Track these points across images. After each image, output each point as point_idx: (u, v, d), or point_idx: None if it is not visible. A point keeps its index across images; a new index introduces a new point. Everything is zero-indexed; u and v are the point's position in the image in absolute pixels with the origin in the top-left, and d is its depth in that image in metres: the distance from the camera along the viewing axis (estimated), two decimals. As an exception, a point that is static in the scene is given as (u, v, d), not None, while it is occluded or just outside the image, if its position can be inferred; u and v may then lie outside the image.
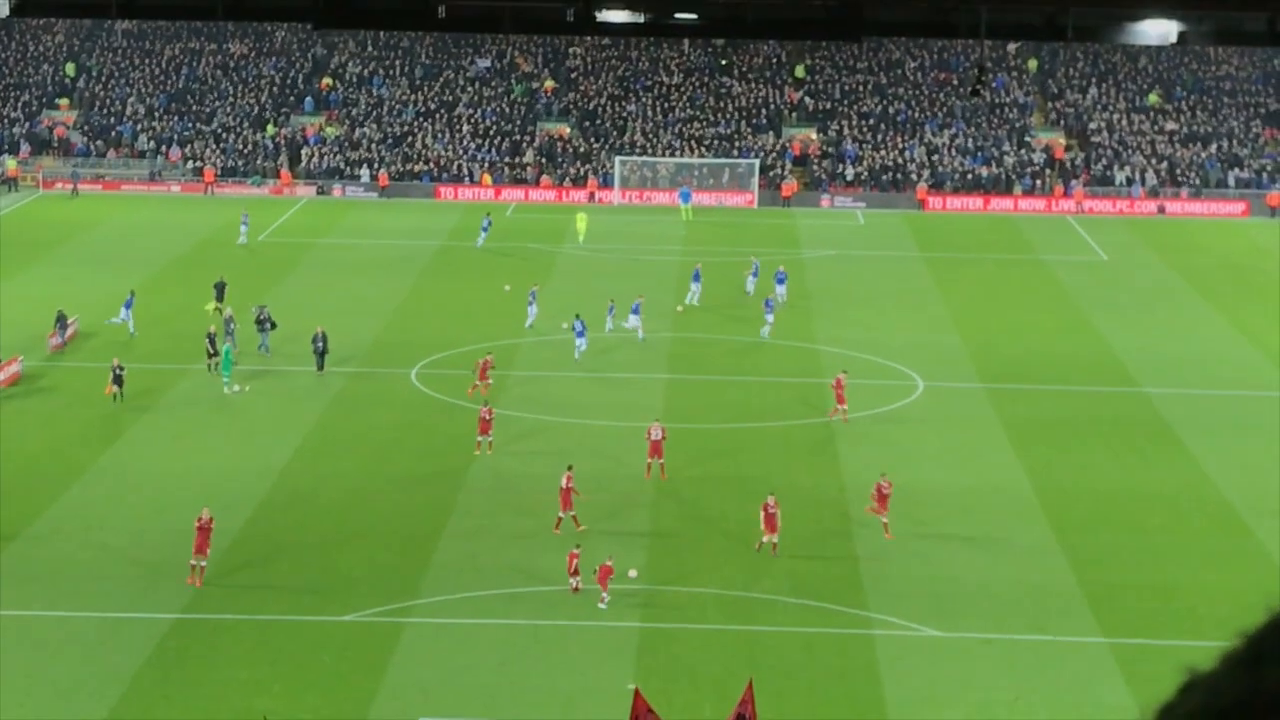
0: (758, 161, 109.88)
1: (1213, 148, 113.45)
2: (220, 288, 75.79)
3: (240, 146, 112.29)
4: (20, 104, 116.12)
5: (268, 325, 68.57)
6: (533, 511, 51.78)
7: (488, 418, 56.72)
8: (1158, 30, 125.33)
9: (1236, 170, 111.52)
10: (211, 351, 65.89)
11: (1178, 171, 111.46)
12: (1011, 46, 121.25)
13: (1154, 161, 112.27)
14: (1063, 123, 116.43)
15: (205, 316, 72.26)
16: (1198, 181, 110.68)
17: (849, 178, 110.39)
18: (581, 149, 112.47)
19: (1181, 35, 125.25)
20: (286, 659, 42.02)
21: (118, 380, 61.38)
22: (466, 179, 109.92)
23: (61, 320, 69.59)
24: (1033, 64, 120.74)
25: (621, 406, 62.36)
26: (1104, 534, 50.86)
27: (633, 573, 46.15)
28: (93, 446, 57.10)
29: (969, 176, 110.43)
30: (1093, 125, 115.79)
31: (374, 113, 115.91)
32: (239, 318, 69.44)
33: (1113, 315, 78.16)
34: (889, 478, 50.66)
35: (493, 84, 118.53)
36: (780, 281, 79.45)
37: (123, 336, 70.26)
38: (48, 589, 45.75)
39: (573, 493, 50.39)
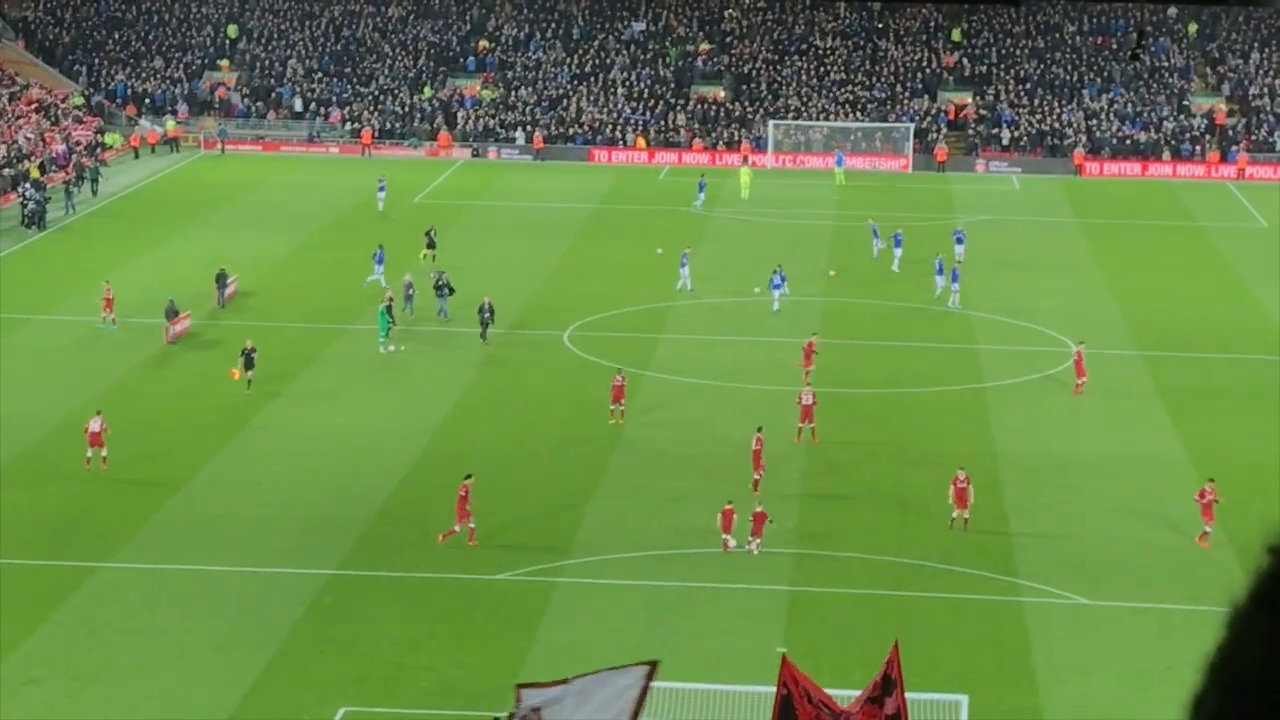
0: (912, 126, 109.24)
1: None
2: (431, 235, 78.58)
3: (398, 109, 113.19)
4: (182, 65, 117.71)
5: (445, 290, 68.23)
6: (684, 474, 52.03)
7: (620, 384, 56.48)
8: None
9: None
10: (391, 322, 64.86)
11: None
12: (1172, 10, 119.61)
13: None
14: (1224, 88, 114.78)
15: (370, 287, 72.97)
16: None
17: (1004, 142, 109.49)
18: (735, 112, 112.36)
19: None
20: (440, 616, 42.57)
21: (249, 363, 58.72)
22: (620, 142, 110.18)
23: (222, 278, 70.63)
24: (1193, 28, 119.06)
25: (774, 371, 62.37)
26: (1260, 505, 50.29)
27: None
28: (252, 403, 57.99)
29: (1127, 142, 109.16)
30: (1254, 90, 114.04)
31: (530, 75, 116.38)
32: (417, 283, 69.42)
33: (1274, 283, 77.05)
34: (966, 472, 48.58)
35: (648, 46, 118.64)
36: (959, 242, 79.16)
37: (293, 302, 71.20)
38: (205, 544, 46.58)
39: (761, 455, 50.60)
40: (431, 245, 77.61)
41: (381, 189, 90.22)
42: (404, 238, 79.94)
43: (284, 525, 48.14)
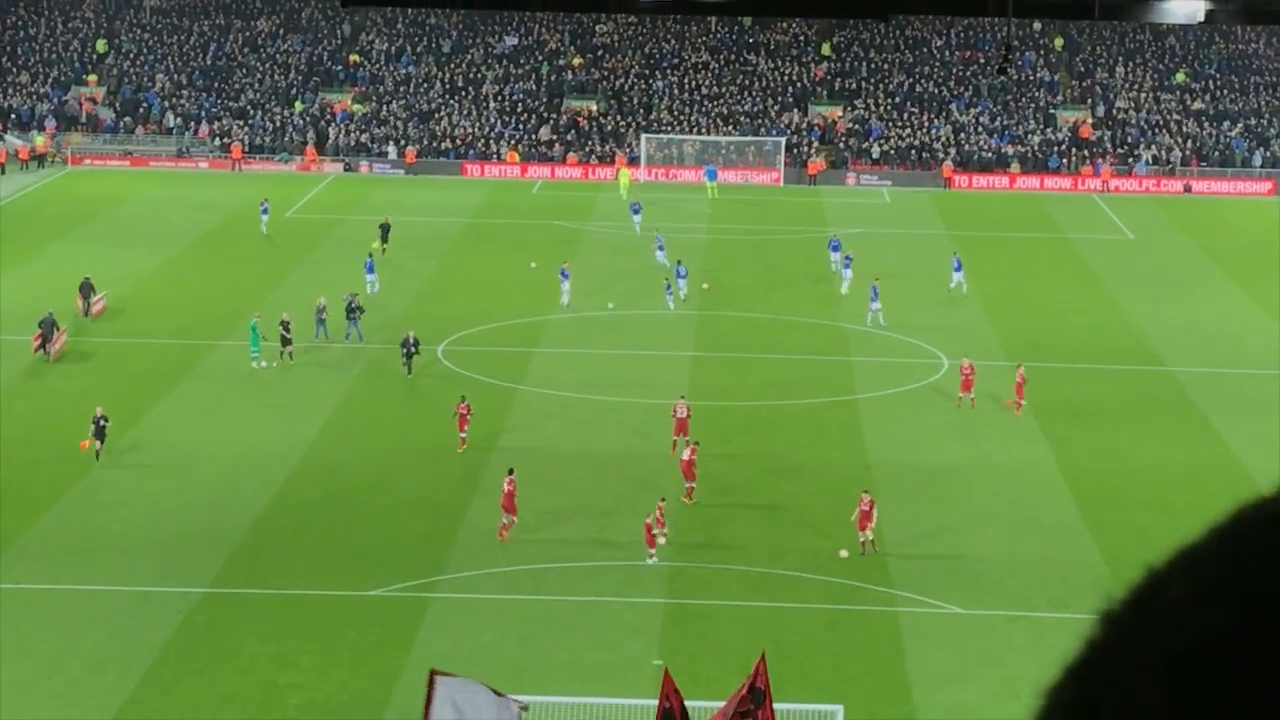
0: (784, 140, 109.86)
1: (1239, 126, 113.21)
2: (385, 229, 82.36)
3: (268, 123, 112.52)
4: (50, 79, 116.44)
5: (358, 312, 67.12)
6: (559, 487, 51.99)
7: (464, 411, 55.40)
8: (1185, 9, 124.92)
9: (1263, 149, 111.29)
10: (287, 338, 63.93)
11: (1204, 151, 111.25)
12: (1037, 25, 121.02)
13: (1180, 140, 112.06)
14: (1089, 101, 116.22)
15: (241, 297, 72.41)
16: (1224, 161, 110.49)
17: (875, 155, 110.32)
18: (608, 126, 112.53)
19: (1209, 14, 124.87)
20: (313, 633, 42.28)
21: (100, 433, 53.37)
22: (493, 156, 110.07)
23: (86, 287, 69.97)
24: (1059, 42, 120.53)
25: (648, 384, 62.50)
26: (1130, 512, 50.91)
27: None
28: (121, 420, 57.34)
29: (995, 155, 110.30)
30: (1120, 104, 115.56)
31: (401, 90, 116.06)
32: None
33: (1139, 294, 78.10)
34: (870, 495, 48.39)
35: (520, 61, 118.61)
36: (835, 249, 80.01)
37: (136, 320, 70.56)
38: (77, 563, 46.05)
39: (694, 465, 50.74)
40: (385, 238, 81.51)
41: (265, 211, 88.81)
42: (289, 257, 79.31)
43: (156, 543, 47.65)
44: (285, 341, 64.16)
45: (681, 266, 75.47)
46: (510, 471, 48.74)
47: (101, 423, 53.29)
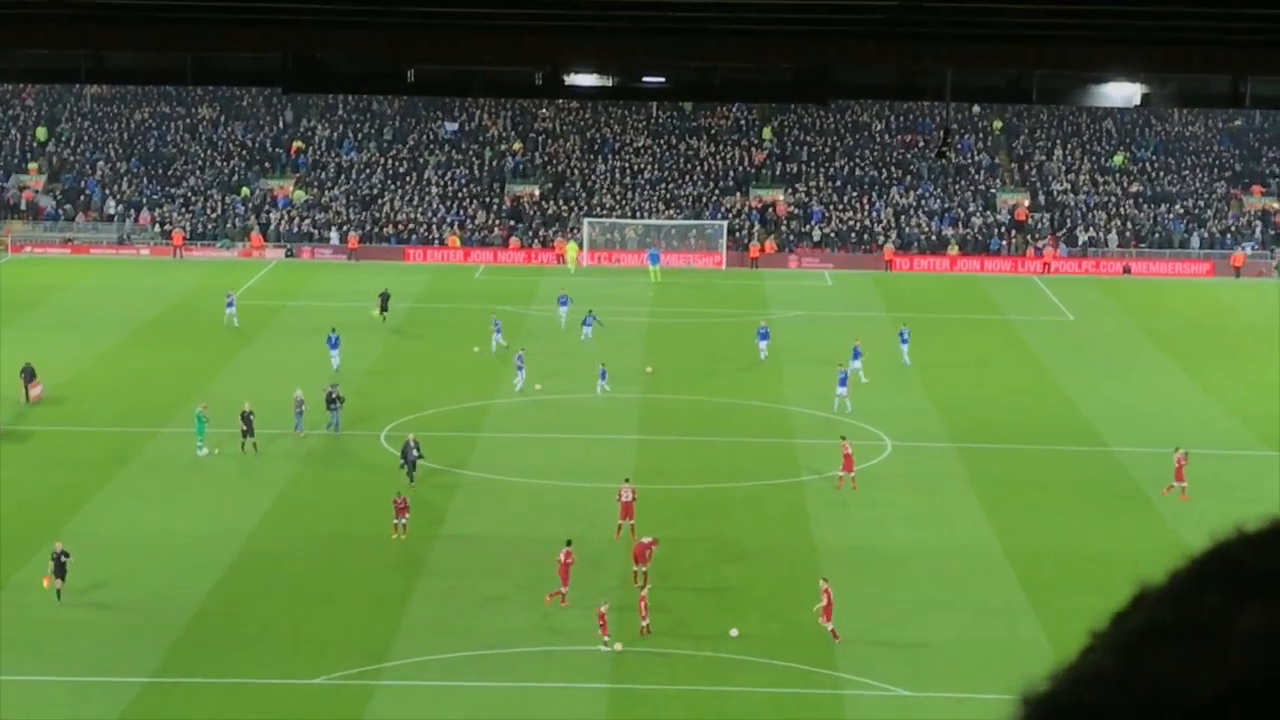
0: (725, 223, 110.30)
1: (1177, 208, 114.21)
2: (384, 298, 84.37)
3: (210, 210, 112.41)
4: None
5: (338, 403, 66.49)
6: (502, 573, 51.79)
7: (402, 502, 55.06)
8: (1121, 92, 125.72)
9: (1201, 230, 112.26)
10: (246, 429, 63.08)
11: (1143, 232, 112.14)
12: (976, 108, 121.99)
13: (1119, 222, 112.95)
14: (1028, 184, 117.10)
15: (176, 380, 72.11)
16: (1162, 242, 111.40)
17: (816, 239, 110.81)
18: (550, 210, 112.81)
19: (1145, 97, 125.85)
20: (257, 722, 41.91)
21: (60, 570, 49.25)
22: (435, 241, 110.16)
23: (28, 372, 69.72)
24: (998, 125, 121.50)
25: (593, 468, 62.41)
26: (1073, 594, 50.94)
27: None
28: (62, 509, 56.94)
29: (936, 237, 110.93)
30: (1058, 186, 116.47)
31: (343, 176, 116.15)
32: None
33: (1080, 375, 78.50)
34: (827, 582, 48.00)
35: (461, 146, 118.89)
36: (764, 337, 79.95)
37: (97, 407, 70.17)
38: (16, 652, 45.56)
39: (649, 548, 50.71)
40: (385, 307, 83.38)
41: (230, 305, 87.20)
42: (232, 344, 79.04)
43: (96, 633, 47.23)
44: (246, 433, 63.37)
45: (520, 355, 74.13)
46: (568, 543, 49.79)
47: (62, 559, 49.13)
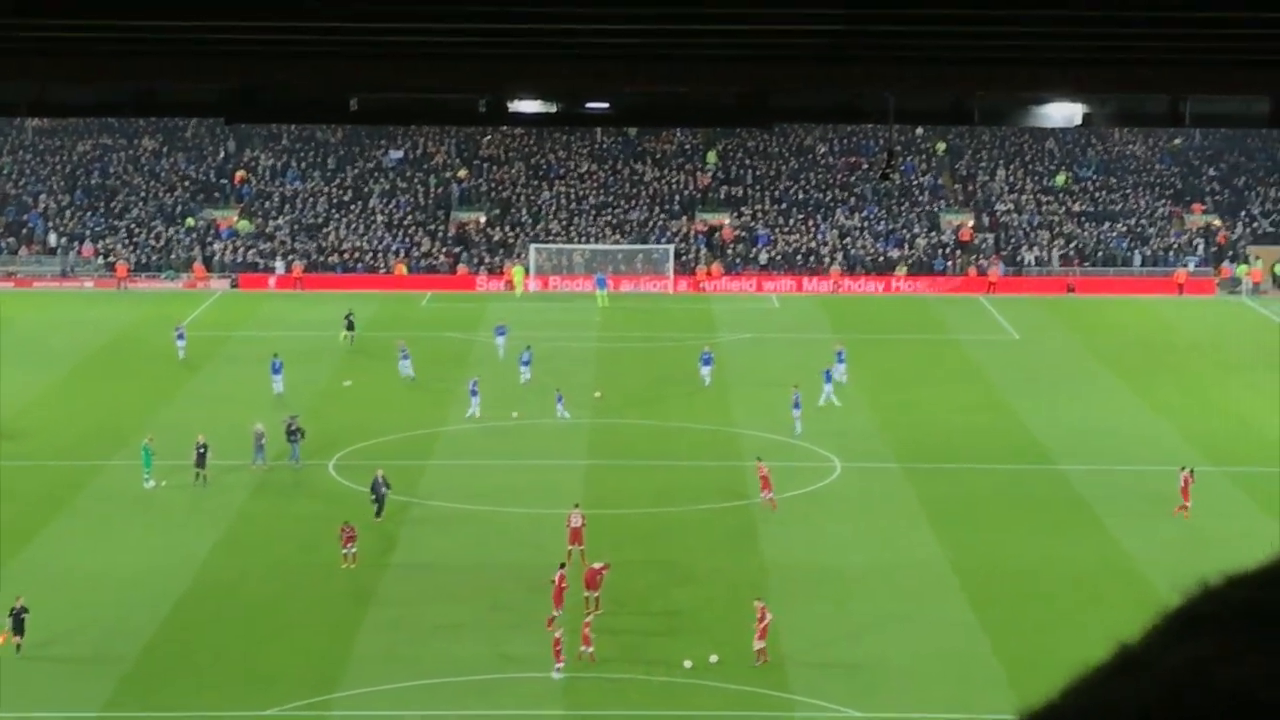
0: (672, 247, 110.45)
1: (1120, 226, 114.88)
2: (349, 321, 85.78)
3: (153, 241, 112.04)
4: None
5: (298, 435, 66.07)
6: (453, 600, 51.72)
7: (350, 532, 54.86)
8: (1062, 112, 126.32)
9: (1143, 248, 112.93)
10: (200, 465, 62.76)
11: (1086, 251, 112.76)
12: (919, 130, 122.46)
13: (1062, 241, 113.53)
14: (972, 204, 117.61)
15: (124, 411, 71.82)
16: (1105, 260, 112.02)
17: (762, 261, 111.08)
18: (496, 237, 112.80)
19: (1086, 117, 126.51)
20: (208, 754, 41.75)
21: (18, 626, 47.75)
22: (381, 269, 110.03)
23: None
24: (941, 146, 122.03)
25: (542, 493, 62.37)
26: (1022, 610, 51.19)
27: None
28: (8, 544, 56.63)
29: (882, 259, 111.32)
30: (1002, 206, 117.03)
31: (287, 205, 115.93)
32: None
33: (1026, 393, 78.86)
34: (763, 602, 48.07)
35: (406, 174, 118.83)
36: (706, 363, 79.95)
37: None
38: (-35, 689, 45.29)
39: (600, 574, 50.67)
40: (350, 328, 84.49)
41: (181, 337, 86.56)
42: (178, 375, 78.87)
43: (46, 666, 46.97)
44: (199, 463, 62.97)
45: (474, 382, 74.19)
46: (562, 565, 50.27)
47: (21, 615, 47.74)
